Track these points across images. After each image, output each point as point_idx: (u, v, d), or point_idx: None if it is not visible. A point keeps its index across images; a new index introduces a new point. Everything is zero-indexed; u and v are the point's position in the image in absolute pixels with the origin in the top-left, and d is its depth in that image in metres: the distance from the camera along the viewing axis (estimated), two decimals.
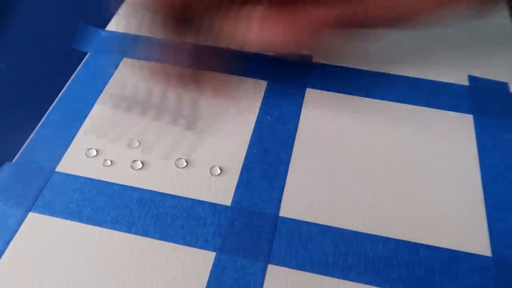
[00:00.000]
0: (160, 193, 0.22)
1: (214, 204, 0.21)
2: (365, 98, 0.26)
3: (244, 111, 0.25)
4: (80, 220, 0.21)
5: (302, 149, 0.23)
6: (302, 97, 0.26)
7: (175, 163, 0.23)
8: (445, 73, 0.27)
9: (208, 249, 0.20)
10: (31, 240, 0.20)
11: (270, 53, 0.25)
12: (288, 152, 0.23)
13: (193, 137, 0.24)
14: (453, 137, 0.24)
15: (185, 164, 0.23)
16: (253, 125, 0.24)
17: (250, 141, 0.24)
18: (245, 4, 0.22)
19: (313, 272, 0.19)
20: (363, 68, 0.27)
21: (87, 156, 0.23)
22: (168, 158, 0.23)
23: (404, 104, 0.26)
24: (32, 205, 0.21)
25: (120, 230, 0.20)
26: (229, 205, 0.21)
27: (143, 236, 0.20)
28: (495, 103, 0.26)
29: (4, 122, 0.25)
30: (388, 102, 0.26)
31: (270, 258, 0.20)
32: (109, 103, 0.25)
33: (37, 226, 0.21)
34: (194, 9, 0.22)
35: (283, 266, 0.19)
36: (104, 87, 0.26)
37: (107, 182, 0.22)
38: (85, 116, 0.25)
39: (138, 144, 0.23)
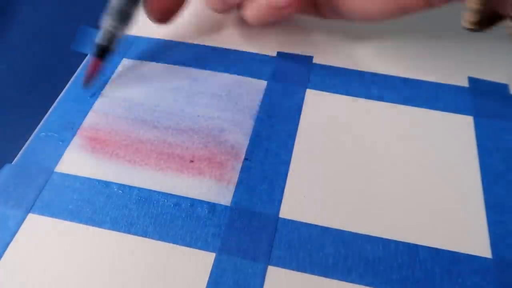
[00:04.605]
0: (159, 192, 0.22)
1: (214, 204, 0.21)
2: (365, 99, 0.26)
3: (243, 111, 0.25)
4: (80, 220, 0.21)
5: (302, 150, 0.23)
6: (302, 98, 0.26)
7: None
8: (445, 74, 0.27)
9: (208, 250, 0.20)
10: (30, 241, 0.20)
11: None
12: (288, 152, 0.23)
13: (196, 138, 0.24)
14: (453, 139, 0.24)
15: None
16: (253, 125, 0.24)
17: (250, 141, 0.24)
18: None
19: (313, 273, 0.19)
20: (363, 69, 0.27)
21: None
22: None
23: (403, 105, 0.26)
24: (32, 206, 0.21)
25: (119, 230, 0.20)
26: (229, 205, 0.21)
27: (143, 236, 0.20)
28: (495, 104, 0.26)
29: (4, 123, 0.25)
30: (388, 103, 0.26)
31: (270, 259, 0.20)
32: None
33: (36, 227, 0.21)
34: None
35: (283, 267, 0.19)
36: (103, 88, 0.26)
37: (106, 181, 0.22)
38: (85, 117, 0.25)
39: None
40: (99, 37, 0.25)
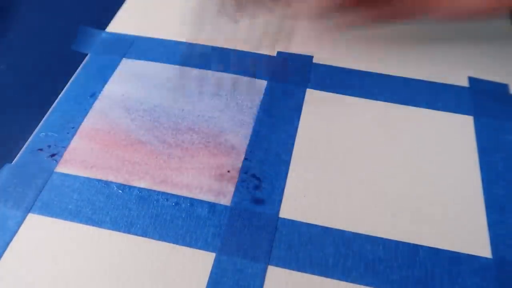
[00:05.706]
0: (159, 192, 0.22)
1: (214, 204, 0.21)
2: (365, 99, 0.26)
3: (243, 111, 0.25)
4: (79, 220, 0.21)
5: (302, 150, 0.23)
6: (302, 97, 0.26)
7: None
8: (445, 74, 0.27)
9: (208, 250, 0.20)
10: (30, 241, 0.20)
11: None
12: (288, 152, 0.23)
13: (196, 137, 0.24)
14: (453, 139, 0.24)
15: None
16: (253, 125, 0.24)
17: (250, 141, 0.24)
18: None
19: (313, 273, 0.19)
20: (364, 69, 0.27)
21: None
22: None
23: (404, 105, 0.25)
24: (32, 206, 0.21)
25: (119, 230, 0.20)
26: (229, 205, 0.21)
27: (142, 236, 0.20)
28: (495, 104, 0.26)
29: (4, 123, 0.25)
30: (388, 103, 0.26)
31: (270, 259, 0.20)
32: None
33: (36, 227, 0.21)
34: None
35: (283, 267, 0.19)
36: (103, 88, 0.26)
37: (105, 181, 0.22)
38: (85, 117, 0.25)
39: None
40: None
